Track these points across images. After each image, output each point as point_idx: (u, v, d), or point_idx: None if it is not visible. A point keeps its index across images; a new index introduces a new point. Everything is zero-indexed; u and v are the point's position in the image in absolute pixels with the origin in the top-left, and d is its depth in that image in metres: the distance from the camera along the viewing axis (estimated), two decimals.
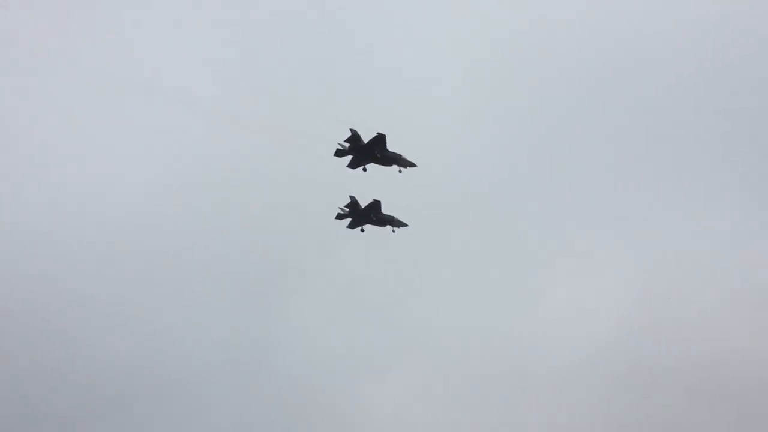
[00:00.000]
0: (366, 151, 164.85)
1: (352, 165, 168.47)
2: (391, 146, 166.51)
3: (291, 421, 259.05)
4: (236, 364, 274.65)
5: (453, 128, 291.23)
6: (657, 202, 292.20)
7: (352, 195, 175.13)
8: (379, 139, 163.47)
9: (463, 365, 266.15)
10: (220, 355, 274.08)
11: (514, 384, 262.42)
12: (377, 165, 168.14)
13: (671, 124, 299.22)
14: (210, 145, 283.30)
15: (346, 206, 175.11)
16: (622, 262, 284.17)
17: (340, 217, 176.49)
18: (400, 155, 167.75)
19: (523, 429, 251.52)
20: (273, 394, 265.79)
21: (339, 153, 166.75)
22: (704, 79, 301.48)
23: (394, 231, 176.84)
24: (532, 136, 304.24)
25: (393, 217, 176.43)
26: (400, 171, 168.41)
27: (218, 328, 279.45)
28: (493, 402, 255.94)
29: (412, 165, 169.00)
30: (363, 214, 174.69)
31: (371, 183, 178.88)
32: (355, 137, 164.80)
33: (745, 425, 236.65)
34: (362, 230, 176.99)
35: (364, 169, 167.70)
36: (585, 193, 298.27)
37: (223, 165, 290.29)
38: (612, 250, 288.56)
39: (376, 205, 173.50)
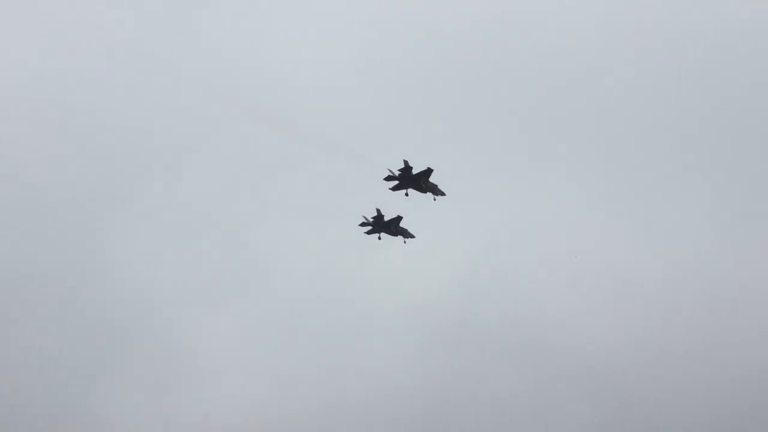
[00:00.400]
0: (413, 180, 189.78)
1: (395, 188, 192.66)
2: None
3: (115, 350, 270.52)
4: (55, 290, 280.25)
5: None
6: (509, 167, 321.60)
7: (378, 208, 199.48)
8: (427, 172, 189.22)
9: (298, 306, 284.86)
10: (37, 279, 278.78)
11: (347, 326, 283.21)
12: (415, 191, 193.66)
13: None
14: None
15: (373, 217, 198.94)
16: (468, 220, 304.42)
17: (363, 224, 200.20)
18: (436, 185, 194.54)
19: (351, 370, 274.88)
20: (92, 324, 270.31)
21: (389, 178, 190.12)
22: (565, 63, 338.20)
23: (405, 242, 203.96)
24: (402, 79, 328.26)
25: (405, 229, 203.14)
26: (434, 199, 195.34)
27: (39, 250, 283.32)
28: (324, 343, 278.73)
29: (443, 194, 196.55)
30: (384, 225, 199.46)
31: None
32: (407, 168, 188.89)
33: (556, 388, 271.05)
34: (379, 238, 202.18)
35: (407, 194, 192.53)
36: (439, 146, 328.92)
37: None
38: (461, 207, 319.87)
39: (398, 219, 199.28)
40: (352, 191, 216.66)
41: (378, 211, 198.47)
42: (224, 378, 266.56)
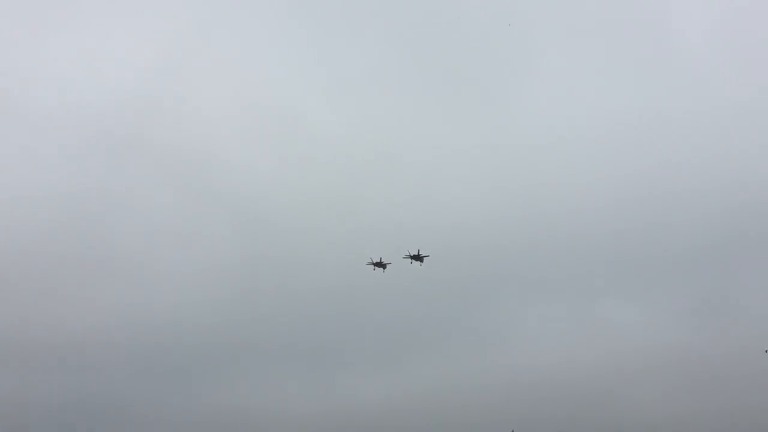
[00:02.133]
0: (417, 258, 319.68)
1: (406, 258, 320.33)
2: None
3: None
4: None
5: None
6: None
7: (381, 256, 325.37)
8: (428, 256, 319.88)
9: None
10: None
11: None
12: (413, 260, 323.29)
13: None
14: None
15: (376, 261, 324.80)
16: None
17: (369, 264, 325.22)
18: (423, 261, 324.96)
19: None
20: None
21: (405, 257, 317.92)
22: None
23: (383, 271, 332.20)
24: None
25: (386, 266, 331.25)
26: (420, 264, 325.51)
27: None
28: None
29: (422, 262, 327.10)
30: (381, 266, 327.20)
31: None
32: (418, 253, 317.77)
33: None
34: (374, 269, 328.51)
35: (411, 262, 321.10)
36: None
37: None
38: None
39: (389, 264, 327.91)
40: None
41: (381, 258, 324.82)
42: None
